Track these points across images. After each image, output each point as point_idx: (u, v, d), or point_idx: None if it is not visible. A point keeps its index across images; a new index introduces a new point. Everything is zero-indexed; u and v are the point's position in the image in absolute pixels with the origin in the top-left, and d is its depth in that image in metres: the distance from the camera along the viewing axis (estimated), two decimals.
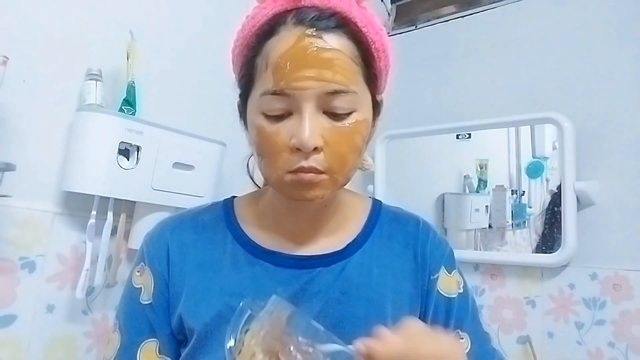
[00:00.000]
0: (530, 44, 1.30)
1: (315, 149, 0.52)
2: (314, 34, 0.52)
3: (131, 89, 0.92)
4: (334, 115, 0.54)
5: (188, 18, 1.12)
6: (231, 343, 0.49)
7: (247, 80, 0.58)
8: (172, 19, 1.09)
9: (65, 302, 0.89)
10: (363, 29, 0.56)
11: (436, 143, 1.44)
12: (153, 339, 0.62)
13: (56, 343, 0.87)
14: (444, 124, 1.38)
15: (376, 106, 0.61)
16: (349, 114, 0.55)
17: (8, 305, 0.82)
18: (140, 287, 0.64)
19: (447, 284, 0.66)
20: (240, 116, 0.64)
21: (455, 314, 0.65)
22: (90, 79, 0.89)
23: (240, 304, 0.50)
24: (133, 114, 0.92)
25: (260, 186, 0.75)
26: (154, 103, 1.01)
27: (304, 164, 0.53)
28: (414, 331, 0.48)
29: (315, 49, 0.52)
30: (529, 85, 1.29)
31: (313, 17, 0.53)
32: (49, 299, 0.87)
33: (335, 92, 0.53)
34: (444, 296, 0.65)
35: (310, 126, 0.52)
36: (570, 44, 1.24)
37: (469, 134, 1.37)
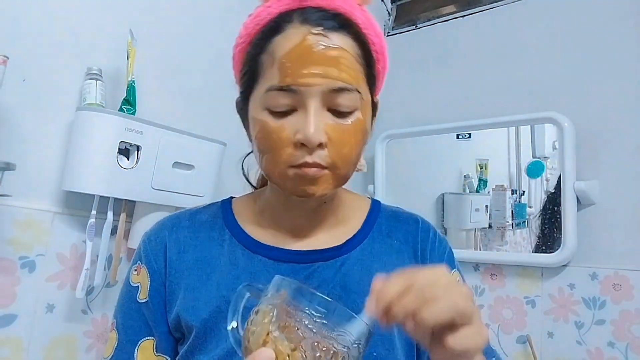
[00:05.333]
0: (530, 43, 1.30)
1: (320, 144, 0.53)
2: (320, 32, 0.54)
3: (131, 89, 0.92)
4: (338, 113, 0.55)
5: (188, 18, 1.12)
6: (233, 324, 0.49)
7: (250, 77, 0.58)
8: (172, 19, 1.09)
9: (65, 301, 0.89)
10: (365, 31, 0.57)
11: (436, 143, 1.44)
12: (150, 337, 0.63)
13: (56, 343, 0.87)
14: (444, 124, 1.39)
15: (374, 107, 0.62)
16: (351, 112, 0.56)
17: (8, 304, 0.82)
18: (137, 286, 0.64)
19: None
20: (240, 114, 0.64)
21: None
22: (90, 79, 0.89)
23: (239, 288, 0.50)
24: (133, 113, 0.92)
25: (256, 185, 0.75)
26: (154, 103, 1.01)
27: (308, 159, 0.53)
28: (409, 270, 0.45)
29: (322, 47, 0.53)
30: (529, 85, 1.29)
31: (319, 17, 0.54)
32: (48, 299, 0.87)
33: (340, 90, 0.54)
34: None
35: (315, 122, 0.52)
36: (570, 44, 1.24)
37: (469, 134, 1.38)
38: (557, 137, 1.18)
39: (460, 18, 1.47)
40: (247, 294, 0.50)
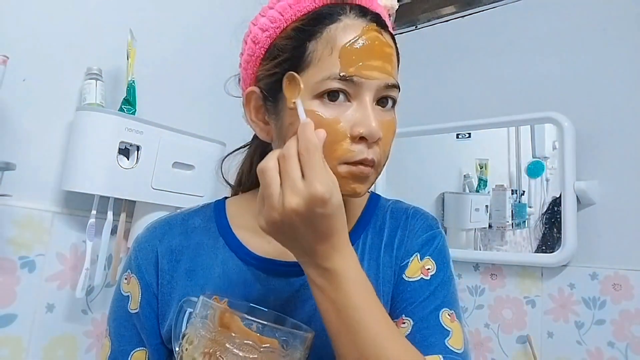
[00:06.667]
0: (530, 43, 1.30)
1: (377, 140, 0.52)
2: (378, 29, 0.54)
3: (131, 89, 0.92)
4: (382, 110, 0.55)
5: (188, 18, 1.12)
6: (177, 348, 0.50)
7: (293, 63, 0.53)
8: (171, 19, 1.09)
9: (65, 301, 0.89)
10: (393, 37, 0.59)
11: (436, 142, 1.44)
12: (142, 348, 0.61)
13: (56, 342, 0.87)
14: (444, 124, 1.38)
15: None
16: (392, 109, 0.56)
17: (8, 304, 0.82)
18: (128, 295, 0.63)
19: (413, 269, 0.60)
20: (263, 105, 0.58)
21: (406, 297, 0.57)
22: (90, 78, 0.89)
23: (180, 303, 0.51)
24: (133, 113, 0.92)
25: (234, 185, 0.71)
26: (154, 103, 1.01)
27: (367, 155, 0.52)
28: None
29: (380, 42, 0.54)
30: (529, 85, 1.29)
31: (371, 14, 0.55)
32: (48, 299, 0.87)
33: (391, 86, 0.54)
34: (404, 280, 0.59)
35: (374, 116, 0.52)
36: (570, 43, 1.24)
37: (469, 134, 1.37)
38: (557, 137, 1.18)
39: (460, 18, 1.47)
40: (188, 310, 0.51)
